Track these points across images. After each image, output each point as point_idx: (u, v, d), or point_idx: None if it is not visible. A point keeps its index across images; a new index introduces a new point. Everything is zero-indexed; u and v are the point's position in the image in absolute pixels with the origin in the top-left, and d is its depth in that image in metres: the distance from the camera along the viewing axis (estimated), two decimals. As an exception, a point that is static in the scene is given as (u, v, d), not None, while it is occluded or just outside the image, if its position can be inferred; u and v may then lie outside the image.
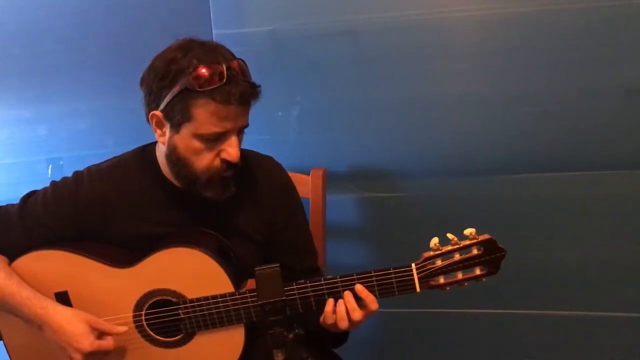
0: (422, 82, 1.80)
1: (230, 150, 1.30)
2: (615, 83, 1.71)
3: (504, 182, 1.85)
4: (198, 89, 1.23)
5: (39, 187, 1.46)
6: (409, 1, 1.76)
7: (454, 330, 2.01)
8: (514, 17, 1.71)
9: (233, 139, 1.30)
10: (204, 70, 1.23)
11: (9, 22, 1.95)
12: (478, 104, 1.79)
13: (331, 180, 1.86)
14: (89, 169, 1.44)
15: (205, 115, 1.26)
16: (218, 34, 1.86)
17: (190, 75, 1.24)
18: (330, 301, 1.30)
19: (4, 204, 1.44)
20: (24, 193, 1.45)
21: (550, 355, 1.98)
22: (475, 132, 1.81)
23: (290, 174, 1.53)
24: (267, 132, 1.92)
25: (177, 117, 1.28)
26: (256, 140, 1.85)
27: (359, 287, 1.29)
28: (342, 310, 1.29)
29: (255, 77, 1.31)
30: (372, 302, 1.29)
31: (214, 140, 1.29)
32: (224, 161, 1.31)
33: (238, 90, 1.24)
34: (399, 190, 1.92)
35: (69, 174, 1.45)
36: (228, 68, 1.24)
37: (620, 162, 1.77)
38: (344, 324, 1.29)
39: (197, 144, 1.29)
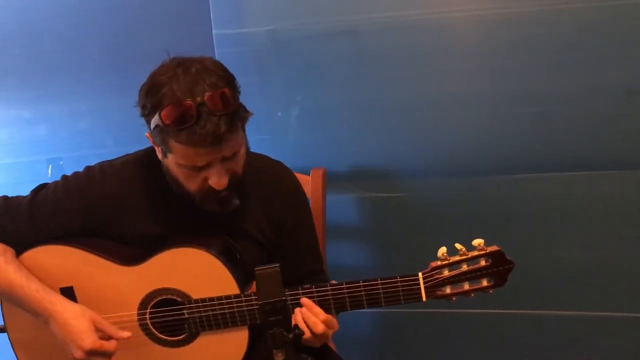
0: (422, 82, 1.80)
1: (215, 180, 1.27)
2: (615, 83, 1.71)
3: (504, 182, 1.85)
4: (167, 129, 1.21)
5: (38, 187, 1.46)
6: (409, 1, 1.76)
7: (454, 330, 2.01)
8: (514, 17, 1.71)
9: (216, 169, 1.27)
10: (172, 110, 1.20)
11: (9, 21, 1.95)
12: (478, 104, 1.79)
13: (331, 180, 1.86)
14: (101, 164, 1.44)
15: (179, 152, 1.25)
16: (218, 34, 1.86)
17: (160, 113, 1.21)
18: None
19: (14, 196, 1.44)
20: (24, 193, 1.44)
21: (550, 355, 1.98)
22: (475, 132, 1.81)
23: (290, 174, 1.53)
24: (267, 132, 1.92)
25: (160, 146, 1.29)
26: (256, 140, 1.86)
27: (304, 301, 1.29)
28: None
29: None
30: (318, 314, 1.29)
31: (197, 170, 1.28)
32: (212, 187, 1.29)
33: (205, 131, 1.19)
34: (399, 190, 1.92)
35: (69, 173, 1.45)
36: (201, 104, 1.19)
37: (620, 162, 1.77)
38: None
39: (182, 171, 1.29)
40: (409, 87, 1.81)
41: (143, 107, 1.27)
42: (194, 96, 1.20)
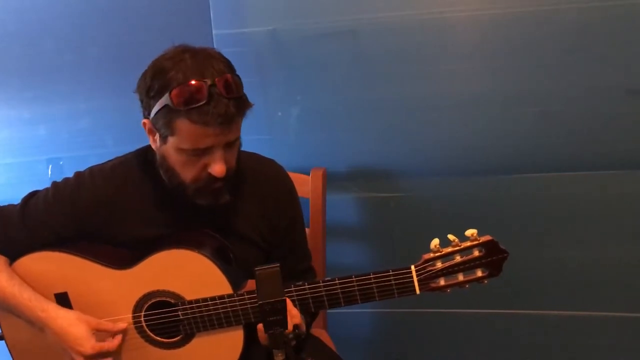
0: (422, 82, 1.80)
1: (215, 166, 1.28)
2: (615, 83, 1.71)
3: (504, 182, 1.85)
4: (178, 108, 1.22)
5: (39, 187, 1.45)
6: (409, 1, 1.76)
7: (454, 330, 2.01)
8: (514, 17, 1.71)
9: (218, 154, 1.27)
10: (184, 89, 1.21)
11: (9, 21, 1.95)
12: (478, 104, 1.79)
13: (331, 180, 1.86)
14: (91, 169, 1.44)
15: (185, 133, 1.25)
16: (218, 34, 1.86)
17: (171, 92, 1.22)
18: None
19: (5, 204, 1.44)
20: (24, 193, 1.45)
21: (550, 355, 1.98)
22: (475, 132, 1.81)
23: (290, 174, 1.53)
24: (267, 132, 1.92)
25: (162, 129, 1.28)
26: (256, 140, 1.86)
27: None
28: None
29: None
30: (294, 317, 1.28)
31: (198, 155, 1.28)
32: (210, 174, 1.29)
33: (217, 110, 1.20)
34: (399, 190, 1.92)
35: (69, 174, 1.45)
36: (212, 85, 1.21)
37: (620, 162, 1.77)
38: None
39: (182, 157, 1.29)
40: (409, 87, 1.81)
41: (148, 89, 1.26)
42: (204, 78, 1.22)
